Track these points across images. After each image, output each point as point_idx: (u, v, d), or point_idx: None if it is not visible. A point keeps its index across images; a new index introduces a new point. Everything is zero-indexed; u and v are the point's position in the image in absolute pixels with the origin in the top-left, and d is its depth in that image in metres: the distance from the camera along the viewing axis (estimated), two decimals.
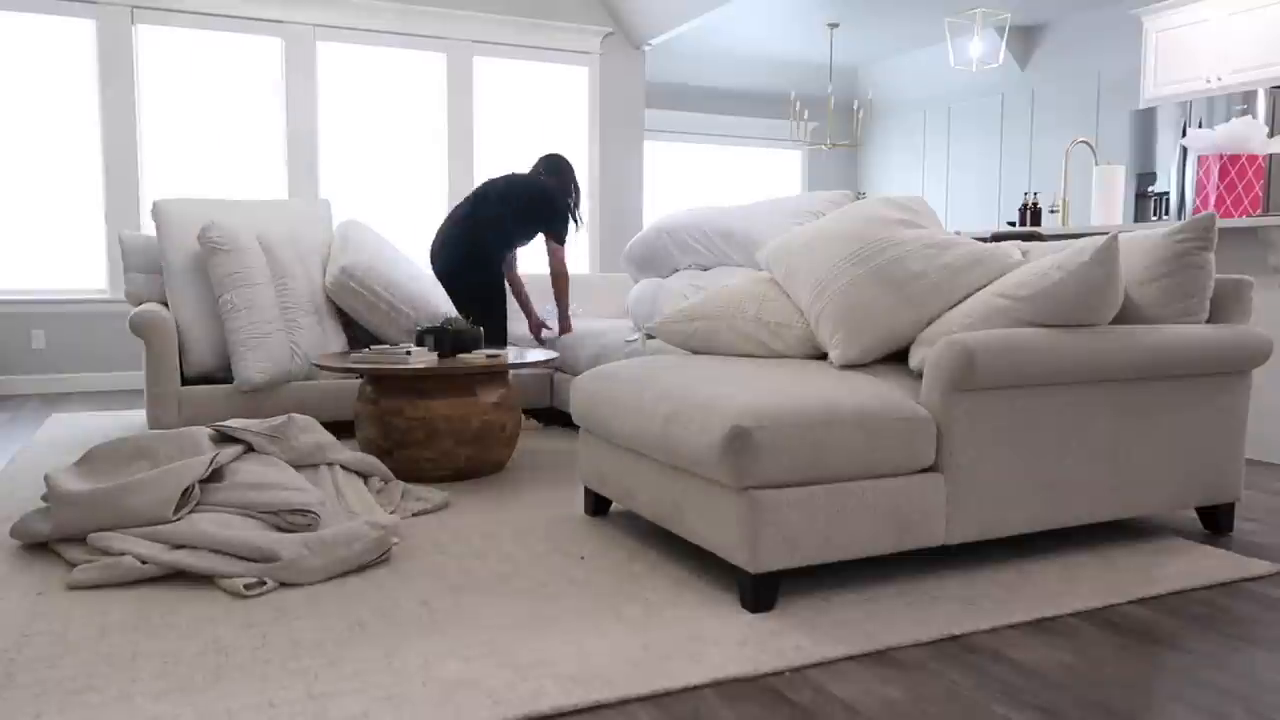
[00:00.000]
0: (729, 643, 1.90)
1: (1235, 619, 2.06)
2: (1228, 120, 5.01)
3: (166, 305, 4.26)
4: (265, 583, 2.20)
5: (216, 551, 2.29)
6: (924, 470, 2.24)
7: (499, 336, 4.45)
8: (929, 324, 2.51)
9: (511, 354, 3.67)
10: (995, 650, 1.89)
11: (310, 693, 1.68)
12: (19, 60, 5.84)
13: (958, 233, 4.36)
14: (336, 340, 4.32)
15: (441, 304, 4.46)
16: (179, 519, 2.39)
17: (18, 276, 5.94)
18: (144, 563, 2.25)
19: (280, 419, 2.83)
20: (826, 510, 2.10)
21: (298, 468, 2.77)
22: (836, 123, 10.55)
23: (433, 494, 3.02)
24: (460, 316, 3.75)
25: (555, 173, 4.57)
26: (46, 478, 2.58)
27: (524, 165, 7.20)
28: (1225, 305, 2.65)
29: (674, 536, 2.65)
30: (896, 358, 2.66)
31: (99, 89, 6.01)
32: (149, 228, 6.15)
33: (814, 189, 10.56)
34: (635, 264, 4.59)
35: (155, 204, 4.36)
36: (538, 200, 4.40)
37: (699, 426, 2.12)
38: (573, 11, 7.26)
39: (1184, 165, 6.37)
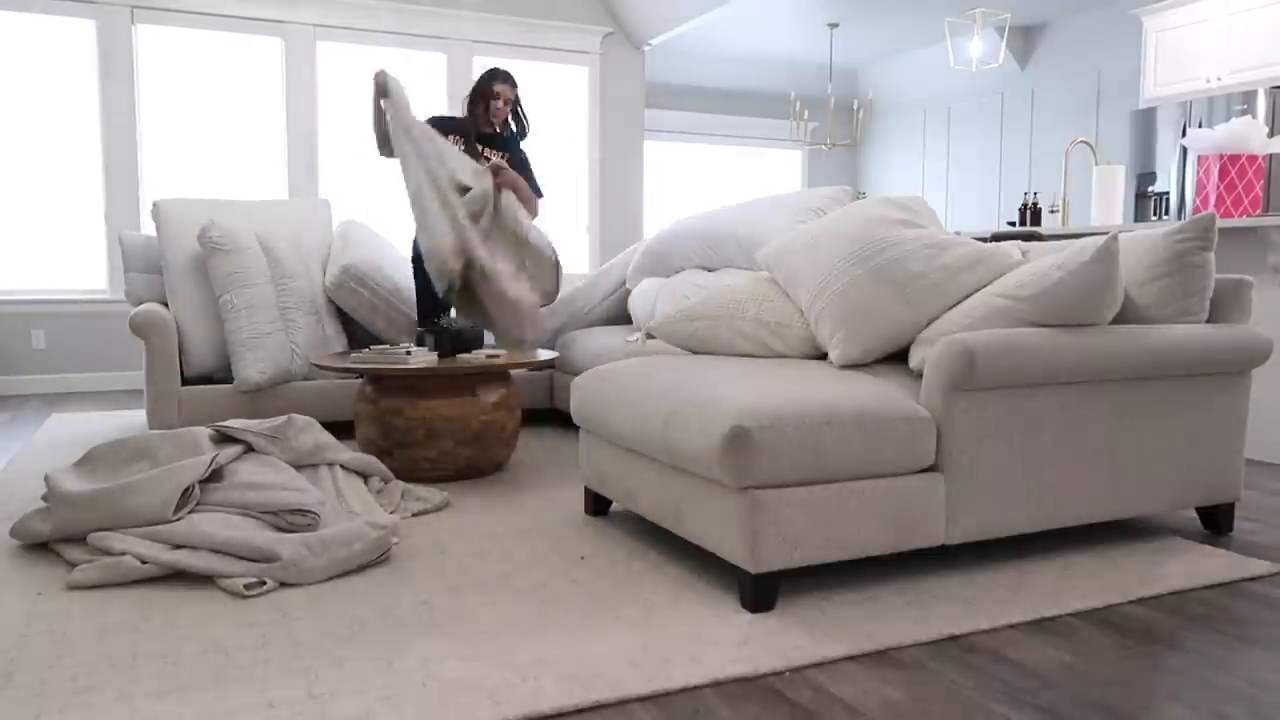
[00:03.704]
0: (729, 643, 1.90)
1: (1235, 619, 2.06)
2: (1228, 120, 5.02)
3: (166, 305, 4.26)
4: (265, 583, 2.20)
5: (216, 551, 2.29)
6: (924, 470, 2.24)
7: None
8: (929, 324, 2.51)
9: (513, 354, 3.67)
10: (995, 650, 1.89)
11: (310, 693, 1.68)
12: (19, 60, 5.84)
13: (958, 233, 4.36)
14: (336, 340, 4.32)
15: (442, 304, 4.46)
16: (179, 519, 2.39)
17: (18, 276, 5.94)
18: (144, 563, 2.25)
19: (280, 419, 2.83)
20: (827, 510, 2.10)
21: (298, 468, 2.77)
22: (836, 123, 10.55)
23: (433, 494, 3.02)
24: (460, 317, 3.74)
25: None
26: (46, 478, 2.58)
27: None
28: (1225, 305, 2.65)
29: (674, 536, 2.65)
30: (897, 358, 2.67)
31: (99, 89, 6.01)
32: (149, 228, 6.14)
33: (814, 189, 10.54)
34: (640, 276, 4.52)
35: (155, 204, 4.36)
36: None
37: (699, 426, 2.12)
38: (573, 11, 7.26)
39: (1184, 165, 6.37)
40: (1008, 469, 2.32)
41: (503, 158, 4.17)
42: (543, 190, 4.26)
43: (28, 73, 5.87)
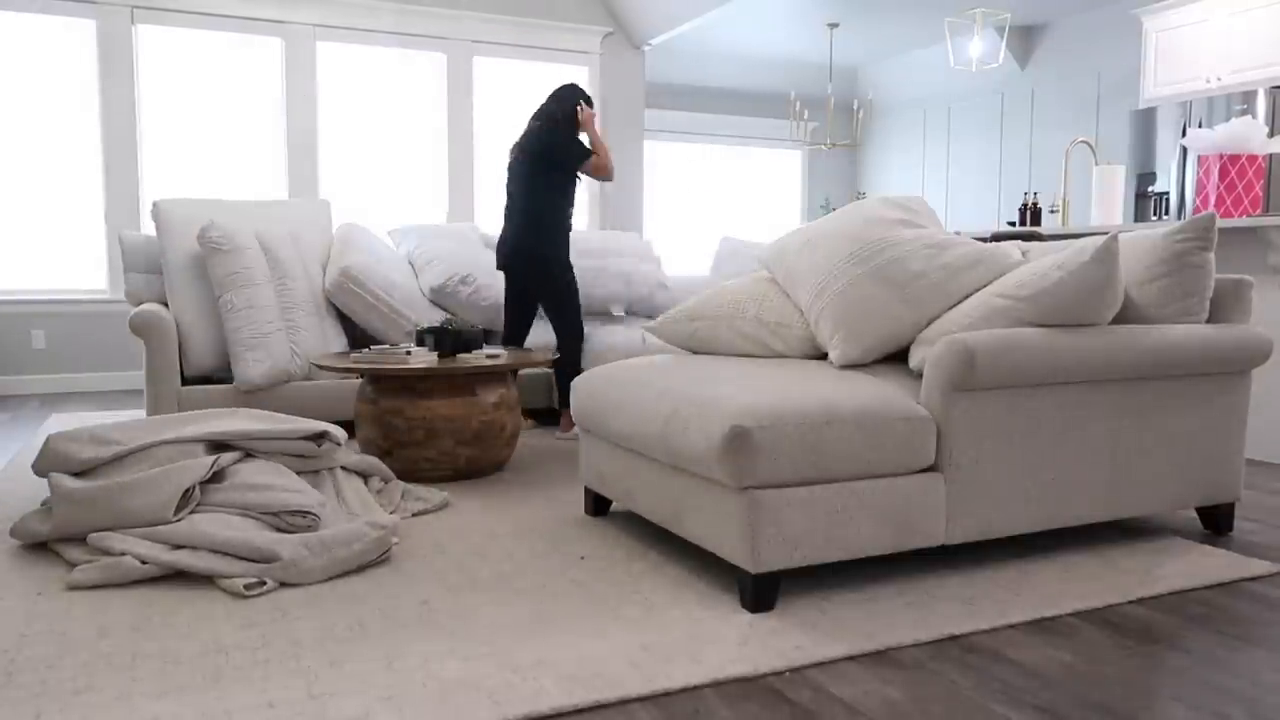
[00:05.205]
0: (729, 643, 1.90)
1: (1235, 619, 2.06)
2: (1228, 120, 5.01)
3: (166, 305, 4.26)
4: (265, 583, 2.20)
5: (216, 552, 2.28)
6: (924, 470, 2.24)
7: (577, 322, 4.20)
8: (929, 324, 2.51)
9: (512, 354, 3.67)
10: (995, 650, 1.89)
11: (310, 693, 1.68)
12: (19, 60, 5.84)
13: (958, 233, 4.36)
14: (336, 340, 4.32)
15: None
16: (179, 519, 2.39)
17: (18, 276, 5.94)
18: (144, 563, 2.25)
19: None
20: (826, 510, 2.10)
21: (298, 470, 2.77)
22: (836, 123, 10.55)
23: (433, 494, 3.02)
24: (460, 317, 3.73)
25: (561, 117, 4.56)
26: (49, 475, 2.57)
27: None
28: (1225, 305, 2.65)
29: (674, 536, 2.65)
30: (896, 358, 2.66)
31: (99, 89, 6.01)
32: (149, 228, 6.15)
33: (814, 189, 10.56)
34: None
35: (155, 204, 4.36)
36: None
37: (699, 426, 2.12)
38: (573, 11, 7.26)
39: (1184, 165, 6.37)
40: (1008, 469, 2.32)
41: None
42: None
43: (28, 73, 5.87)
